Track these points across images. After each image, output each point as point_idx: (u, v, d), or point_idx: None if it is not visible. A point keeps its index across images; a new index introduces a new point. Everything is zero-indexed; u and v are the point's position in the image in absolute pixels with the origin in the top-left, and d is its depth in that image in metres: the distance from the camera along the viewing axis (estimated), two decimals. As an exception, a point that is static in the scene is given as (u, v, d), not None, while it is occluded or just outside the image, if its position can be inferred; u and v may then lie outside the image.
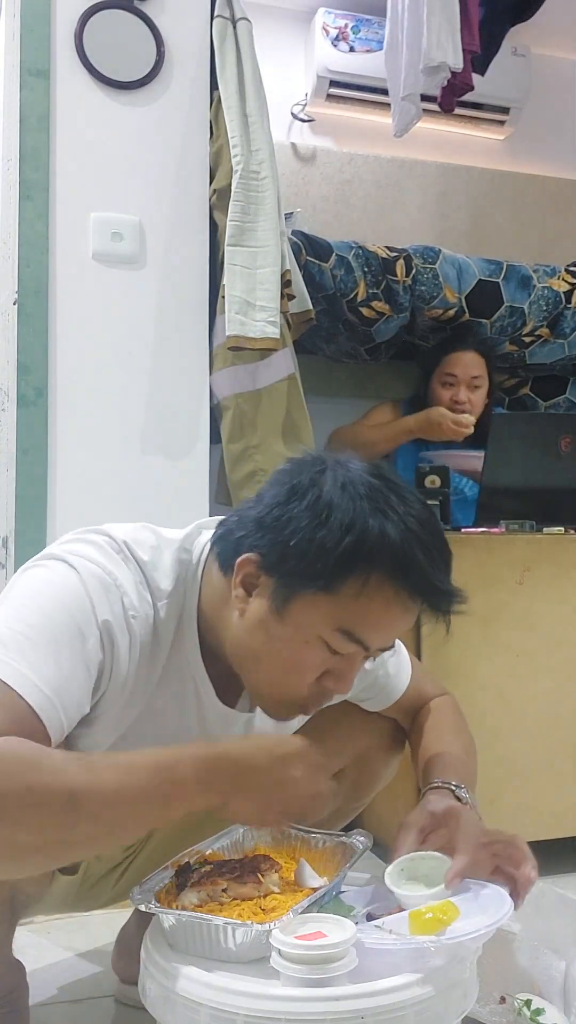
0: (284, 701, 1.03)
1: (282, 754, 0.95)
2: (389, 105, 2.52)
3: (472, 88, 2.43)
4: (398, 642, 1.24)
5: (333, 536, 0.93)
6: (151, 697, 1.04)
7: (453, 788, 1.10)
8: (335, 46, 2.93)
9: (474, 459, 2.18)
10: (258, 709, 1.10)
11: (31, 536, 1.89)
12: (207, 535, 1.08)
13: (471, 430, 2.33)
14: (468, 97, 2.53)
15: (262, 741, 1.00)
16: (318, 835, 1.10)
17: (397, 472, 1.05)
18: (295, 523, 0.95)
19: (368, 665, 1.12)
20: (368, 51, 2.92)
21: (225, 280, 1.93)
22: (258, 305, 1.92)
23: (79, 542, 1.01)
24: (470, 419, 2.33)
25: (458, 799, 1.09)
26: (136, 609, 0.98)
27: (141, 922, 1.30)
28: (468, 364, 2.46)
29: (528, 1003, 1.14)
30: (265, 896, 0.95)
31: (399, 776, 1.88)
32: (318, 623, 0.96)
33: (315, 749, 0.98)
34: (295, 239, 2.26)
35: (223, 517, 1.08)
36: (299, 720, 1.17)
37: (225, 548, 1.02)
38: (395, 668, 1.26)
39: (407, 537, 0.94)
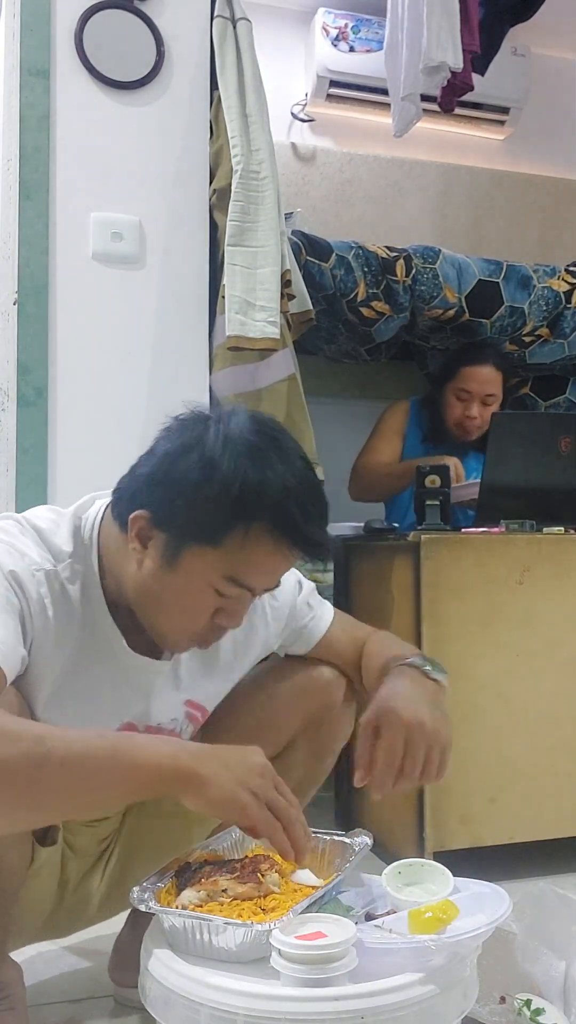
0: (185, 639, 1.13)
1: (239, 749, 1.01)
2: (389, 105, 2.53)
3: (472, 88, 2.43)
4: (319, 598, 1.36)
5: (215, 493, 1.02)
6: (74, 653, 1.10)
7: (409, 663, 1.20)
8: (335, 46, 2.93)
9: (470, 488, 2.19)
10: (180, 658, 1.20)
11: (31, 536, 1.89)
12: (98, 503, 1.17)
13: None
14: (468, 97, 2.53)
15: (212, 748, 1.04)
16: (318, 835, 1.10)
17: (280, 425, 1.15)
18: (181, 481, 1.04)
19: (297, 620, 1.30)
20: (368, 51, 2.92)
21: (225, 280, 1.93)
22: (258, 305, 1.92)
23: None
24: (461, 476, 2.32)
25: (414, 667, 1.19)
26: (38, 564, 1.06)
27: (135, 930, 1.31)
28: (484, 381, 2.45)
29: (528, 1003, 1.14)
30: (265, 896, 0.95)
31: (399, 776, 1.88)
32: (206, 572, 1.06)
33: (266, 761, 1.01)
34: (295, 239, 2.26)
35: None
36: (215, 678, 1.26)
37: (120, 506, 1.11)
38: (317, 607, 1.35)
39: (284, 493, 1.03)
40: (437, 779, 1.10)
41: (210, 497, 1.02)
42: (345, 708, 1.34)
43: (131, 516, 1.07)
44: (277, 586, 1.13)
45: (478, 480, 2.04)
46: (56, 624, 1.07)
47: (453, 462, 2.28)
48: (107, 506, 1.15)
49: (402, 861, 1.03)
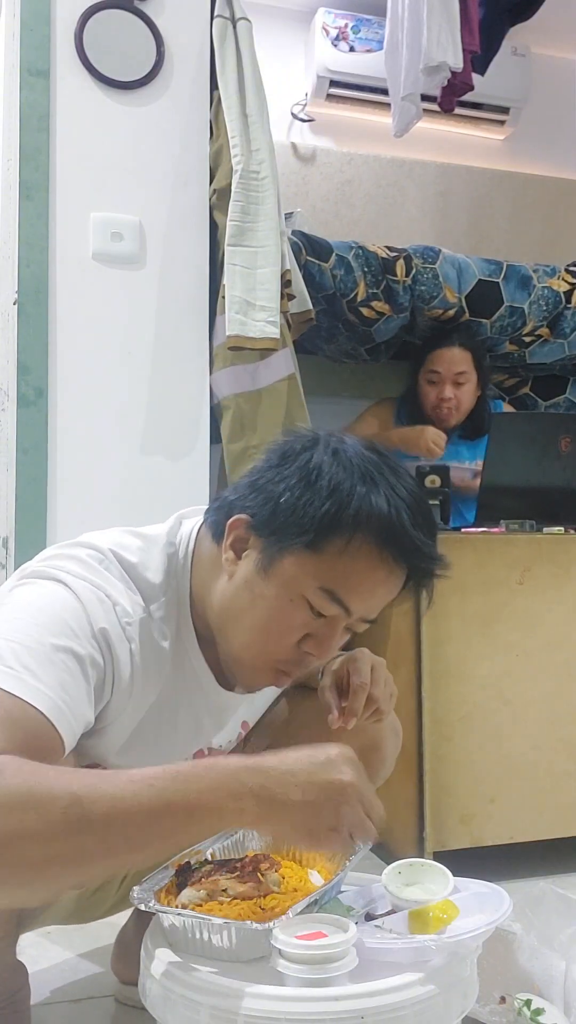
0: (262, 665, 1.03)
1: (324, 758, 0.88)
2: (389, 105, 2.53)
3: (472, 88, 2.43)
4: None
5: (320, 495, 0.96)
6: (160, 693, 1.04)
7: None
8: (335, 46, 2.93)
9: (465, 470, 2.19)
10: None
11: (31, 536, 1.90)
12: (188, 524, 1.10)
13: (441, 452, 2.31)
14: (468, 97, 2.54)
15: (298, 751, 0.90)
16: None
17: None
18: (285, 483, 0.98)
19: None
20: (368, 51, 2.92)
21: (225, 280, 1.93)
22: (258, 305, 1.92)
23: (63, 558, 1.01)
24: (441, 445, 2.32)
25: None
26: (130, 616, 0.98)
27: (139, 924, 1.30)
28: (451, 360, 2.46)
29: (528, 1003, 1.14)
30: (265, 896, 0.95)
31: (399, 775, 1.88)
32: (302, 581, 0.97)
33: (351, 751, 0.91)
34: (295, 239, 2.26)
35: (206, 505, 1.11)
36: (268, 694, 1.22)
37: (218, 515, 1.05)
38: None
39: (393, 502, 0.97)
40: (388, 711, 1.13)
41: (313, 501, 0.96)
42: (391, 746, 1.32)
43: (229, 521, 1.01)
44: (374, 620, 1.04)
45: (471, 465, 2.04)
46: (144, 673, 1.00)
47: (432, 431, 2.28)
48: (201, 524, 1.09)
49: (402, 861, 1.03)
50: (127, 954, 1.31)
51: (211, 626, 1.05)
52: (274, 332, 1.91)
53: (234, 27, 2.03)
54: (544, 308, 2.56)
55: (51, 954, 1.48)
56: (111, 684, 0.96)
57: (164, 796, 0.80)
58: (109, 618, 0.96)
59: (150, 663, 1.01)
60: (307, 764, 0.87)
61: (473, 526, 2.02)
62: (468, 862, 1.41)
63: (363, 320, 2.45)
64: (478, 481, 2.07)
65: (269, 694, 1.26)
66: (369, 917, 0.98)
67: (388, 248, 2.45)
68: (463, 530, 1.95)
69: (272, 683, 1.06)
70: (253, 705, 1.23)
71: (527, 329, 2.58)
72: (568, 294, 2.58)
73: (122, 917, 1.36)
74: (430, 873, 1.02)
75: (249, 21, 2.05)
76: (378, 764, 1.32)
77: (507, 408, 2.68)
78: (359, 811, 0.87)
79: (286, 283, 1.99)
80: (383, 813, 0.91)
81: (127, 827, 0.78)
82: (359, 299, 2.39)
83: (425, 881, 1.01)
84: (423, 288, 2.44)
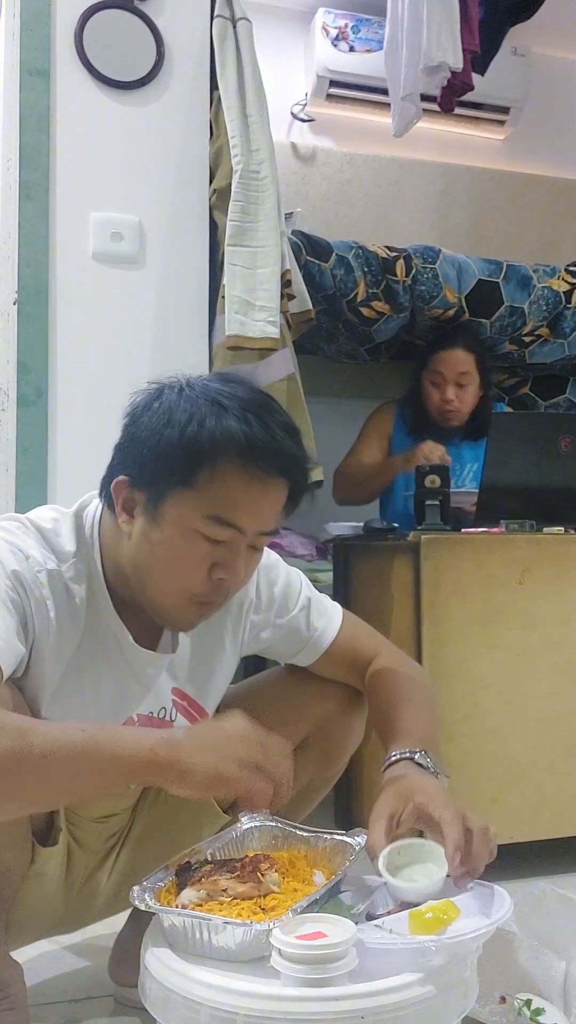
0: (184, 604, 1.09)
1: (220, 718, 1.01)
2: (389, 105, 2.53)
3: (472, 88, 2.43)
4: (325, 598, 1.32)
5: (176, 432, 1.03)
6: (78, 652, 1.10)
7: (410, 756, 1.11)
8: (335, 46, 2.93)
9: (465, 496, 2.19)
10: (177, 651, 1.19)
11: (31, 536, 1.89)
12: (96, 501, 1.17)
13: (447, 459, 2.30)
14: (468, 97, 2.54)
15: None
16: (318, 834, 1.10)
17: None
18: (144, 433, 1.06)
19: (281, 620, 1.27)
20: (368, 51, 2.92)
21: (225, 280, 1.93)
22: (258, 305, 1.92)
23: None
24: (438, 454, 2.29)
25: (419, 765, 1.10)
26: (40, 565, 1.06)
27: (137, 928, 1.30)
28: (455, 362, 2.45)
29: (528, 1003, 1.14)
30: (265, 896, 0.95)
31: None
32: (188, 516, 1.04)
33: (251, 728, 1.00)
34: (295, 239, 2.26)
35: None
36: (210, 666, 1.23)
37: (105, 487, 1.12)
38: (319, 620, 1.30)
39: (244, 419, 1.03)
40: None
41: (171, 440, 1.03)
42: (354, 715, 1.34)
43: (112, 486, 1.09)
44: (274, 530, 1.10)
45: (474, 490, 2.04)
46: (59, 624, 1.07)
47: (428, 445, 2.28)
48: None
49: (401, 842, 1.02)
50: (125, 958, 1.30)
51: (132, 593, 1.11)
52: (274, 332, 1.91)
53: (234, 27, 2.03)
54: (544, 308, 2.56)
55: (50, 953, 1.48)
56: (32, 621, 1.04)
57: (95, 739, 0.92)
58: (22, 565, 1.04)
59: (64, 614, 1.08)
60: (205, 725, 1.01)
61: (473, 526, 2.02)
62: (468, 862, 1.41)
63: (363, 320, 2.45)
64: (475, 509, 2.07)
65: (214, 667, 1.25)
66: (369, 917, 0.98)
67: (388, 248, 2.45)
68: (463, 530, 1.95)
69: (200, 617, 1.12)
70: (186, 675, 1.22)
71: (527, 329, 2.58)
72: (568, 294, 2.58)
73: (118, 923, 1.36)
74: (430, 853, 1.01)
75: (249, 21, 2.05)
76: (345, 730, 1.34)
77: (507, 409, 2.68)
78: (256, 749, 0.96)
79: (286, 283, 1.99)
80: (290, 780, 0.99)
81: (61, 761, 0.89)
82: (359, 299, 2.39)
83: (425, 861, 1.01)
84: (423, 288, 2.44)
